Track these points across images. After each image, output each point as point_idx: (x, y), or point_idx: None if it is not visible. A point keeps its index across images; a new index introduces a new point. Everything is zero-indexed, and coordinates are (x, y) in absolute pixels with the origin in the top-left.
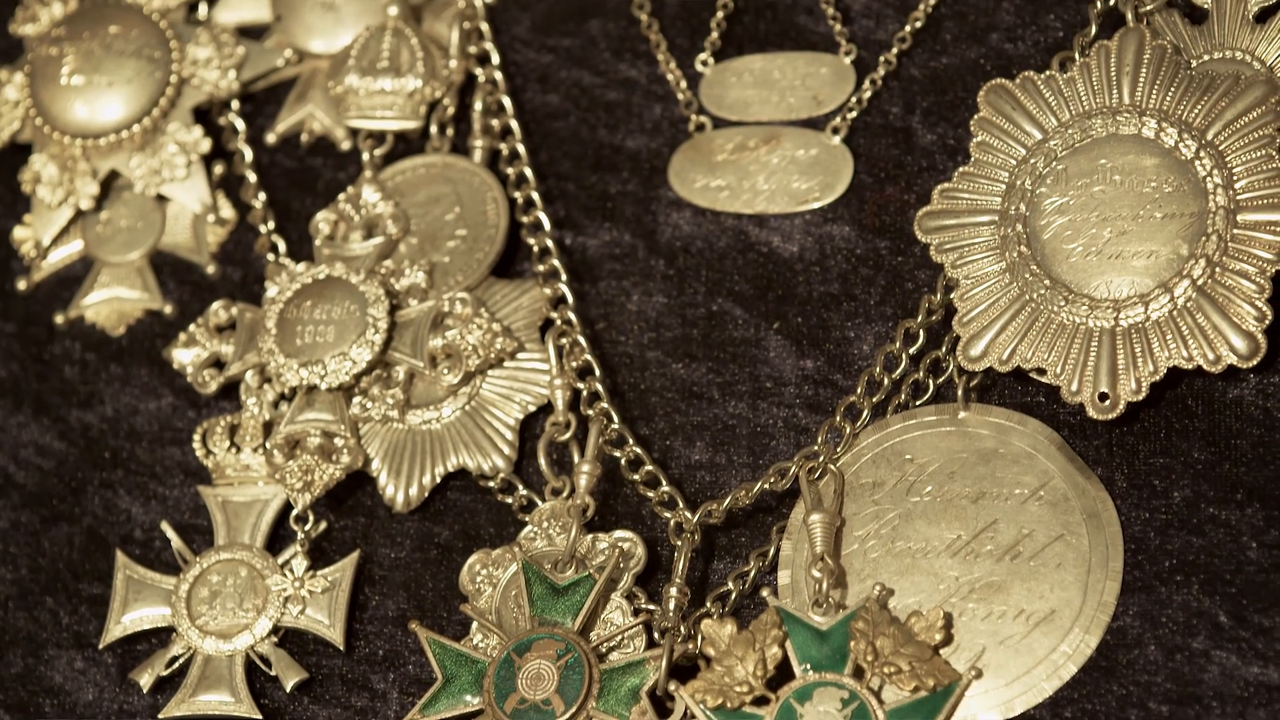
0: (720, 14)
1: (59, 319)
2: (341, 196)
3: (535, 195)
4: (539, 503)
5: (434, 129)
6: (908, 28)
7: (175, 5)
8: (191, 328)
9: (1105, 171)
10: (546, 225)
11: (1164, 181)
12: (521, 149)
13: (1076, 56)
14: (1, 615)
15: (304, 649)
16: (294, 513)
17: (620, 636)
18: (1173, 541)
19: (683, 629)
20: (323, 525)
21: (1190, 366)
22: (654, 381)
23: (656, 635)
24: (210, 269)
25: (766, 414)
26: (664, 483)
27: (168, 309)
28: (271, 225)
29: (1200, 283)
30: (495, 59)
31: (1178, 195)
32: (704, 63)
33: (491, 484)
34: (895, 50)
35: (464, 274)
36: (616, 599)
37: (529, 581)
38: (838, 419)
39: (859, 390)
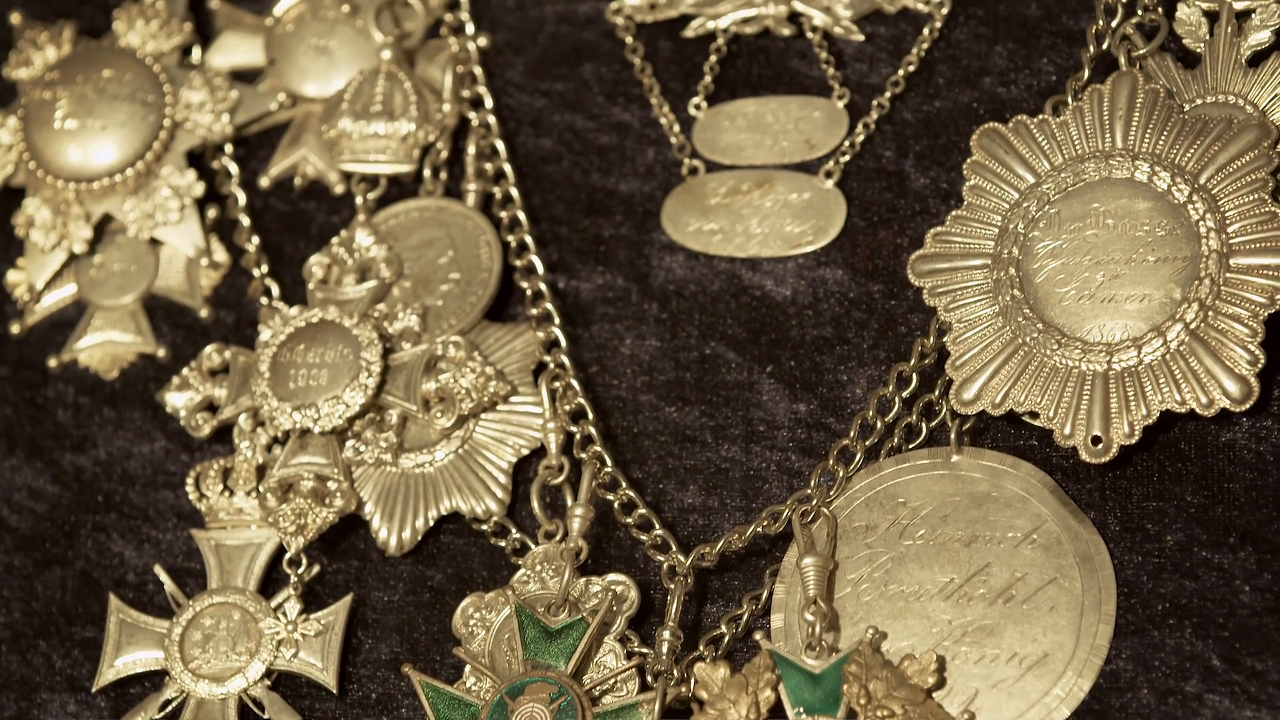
0: (713, 58)
1: (52, 362)
2: (335, 240)
3: (528, 239)
4: (532, 546)
5: (427, 173)
6: (901, 72)
7: (169, 49)
8: (185, 371)
9: (1098, 215)
10: (540, 269)
11: (1157, 225)
12: (515, 193)
13: (1069, 100)
14: None
15: (297, 692)
16: (287, 556)
17: (613, 680)
18: (1165, 585)
19: (676, 672)
20: (316, 569)
21: (1183, 410)
22: (647, 425)
23: (650, 678)
24: (203, 312)
25: (759, 457)
26: (657, 526)
27: (161, 352)
28: (265, 269)
29: (1193, 326)
30: (489, 103)
31: (1171, 239)
32: (697, 106)
33: (485, 527)
34: (888, 94)
35: (457, 317)
36: (610, 642)
37: (522, 625)
38: (830, 462)
39: (852, 433)
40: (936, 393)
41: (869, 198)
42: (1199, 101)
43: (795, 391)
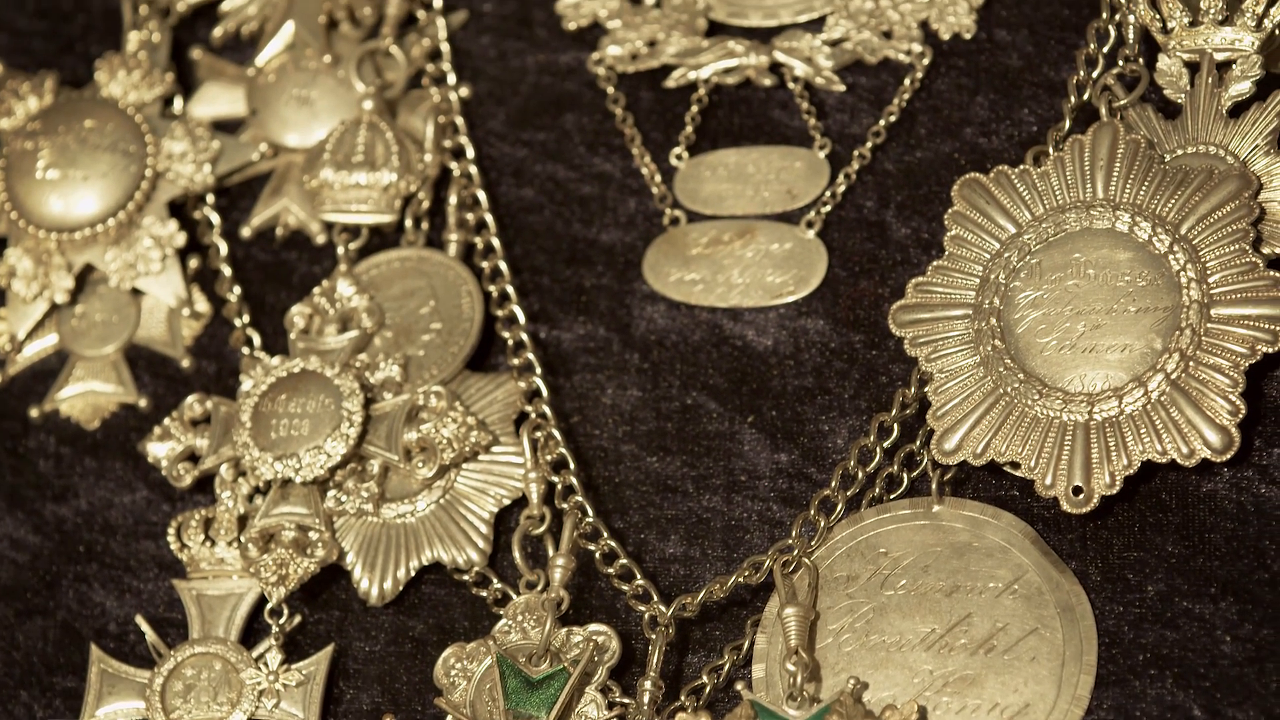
0: (695, 108)
1: (34, 413)
2: (316, 290)
3: (510, 289)
4: (514, 596)
5: (409, 223)
6: (882, 122)
7: (151, 100)
8: (166, 421)
9: (1079, 265)
10: (521, 319)
11: (1138, 275)
12: (496, 243)
13: (1050, 150)
14: None
15: None
16: (268, 606)
17: None
18: (1147, 635)
19: None
20: (297, 619)
21: (1164, 460)
22: (628, 475)
23: None
24: (185, 363)
25: (741, 507)
26: (638, 576)
27: (142, 403)
28: (246, 319)
29: (1174, 377)
30: (470, 153)
31: (1151, 289)
32: (678, 157)
33: (466, 577)
34: (869, 144)
35: (439, 367)
36: (591, 692)
37: (503, 675)
38: (812, 512)
39: (833, 484)
40: (918, 443)
41: (850, 248)
42: (1180, 152)
43: (777, 441)
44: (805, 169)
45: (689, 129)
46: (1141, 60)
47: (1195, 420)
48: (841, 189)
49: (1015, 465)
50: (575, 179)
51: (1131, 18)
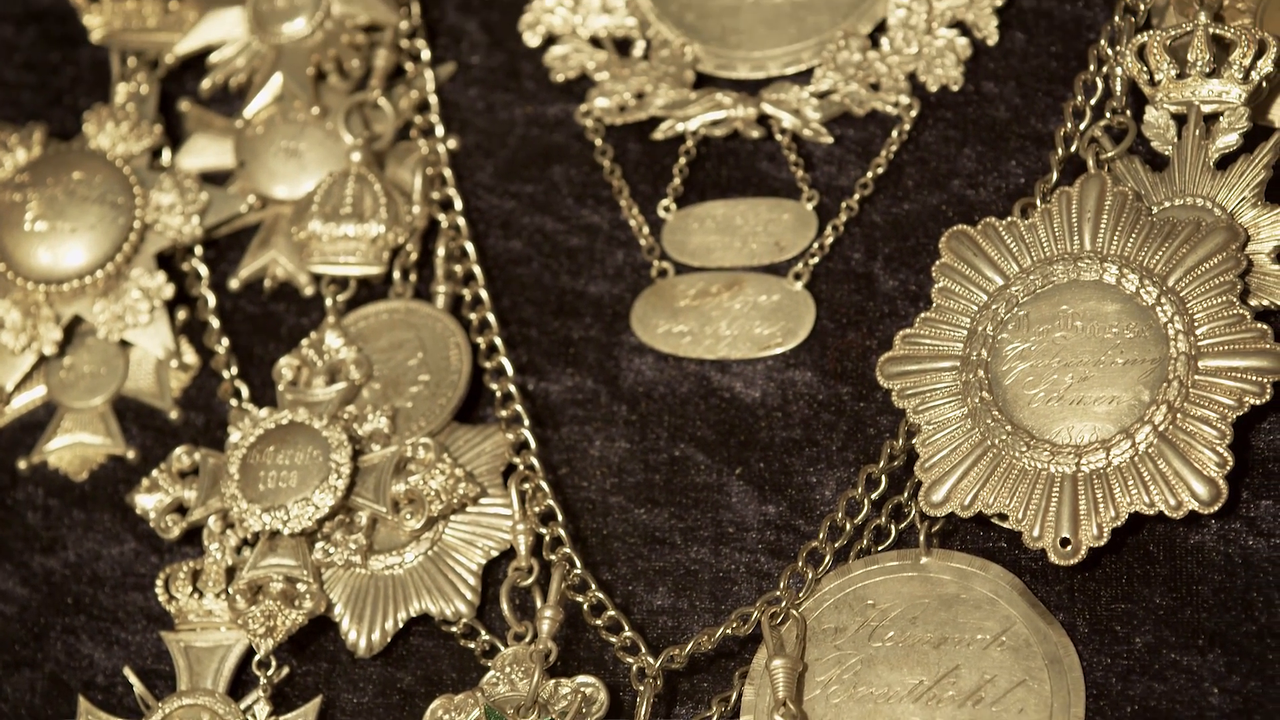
0: (682, 160)
1: (22, 465)
2: (304, 342)
3: (498, 341)
4: (501, 648)
5: (397, 274)
6: (869, 174)
7: (139, 151)
8: (154, 473)
9: (1067, 317)
10: (509, 370)
11: (1125, 327)
12: (484, 294)
13: (1038, 203)
14: None
15: None
16: (256, 658)
17: None
18: (1134, 687)
19: None
20: (285, 670)
21: (1152, 512)
22: (616, 527)
23: None
24: (173, 414)
25: (729, 559)
26: (626, 628)
27: (130, 454)
28: (234, 371)
29: (1162, 428)
30: (458, 205)
31: (1139, 341)
32: (666, 208)
33: (454, 629)
34: (857, 196)
35: (427, 419)
36: None
37: None
38: (800, 564)
39: (821, 535)
40: (905, 494)
41: (838, 300)
42: (1167, 204)
43: (764, 493)
44: (793, 221)
45: (677, 181)
46: (1129, 112)
47: (1183, 472)
48: (829, 241)
49: (1003, 517)
50: (563, 231)
51: (1119, 70)
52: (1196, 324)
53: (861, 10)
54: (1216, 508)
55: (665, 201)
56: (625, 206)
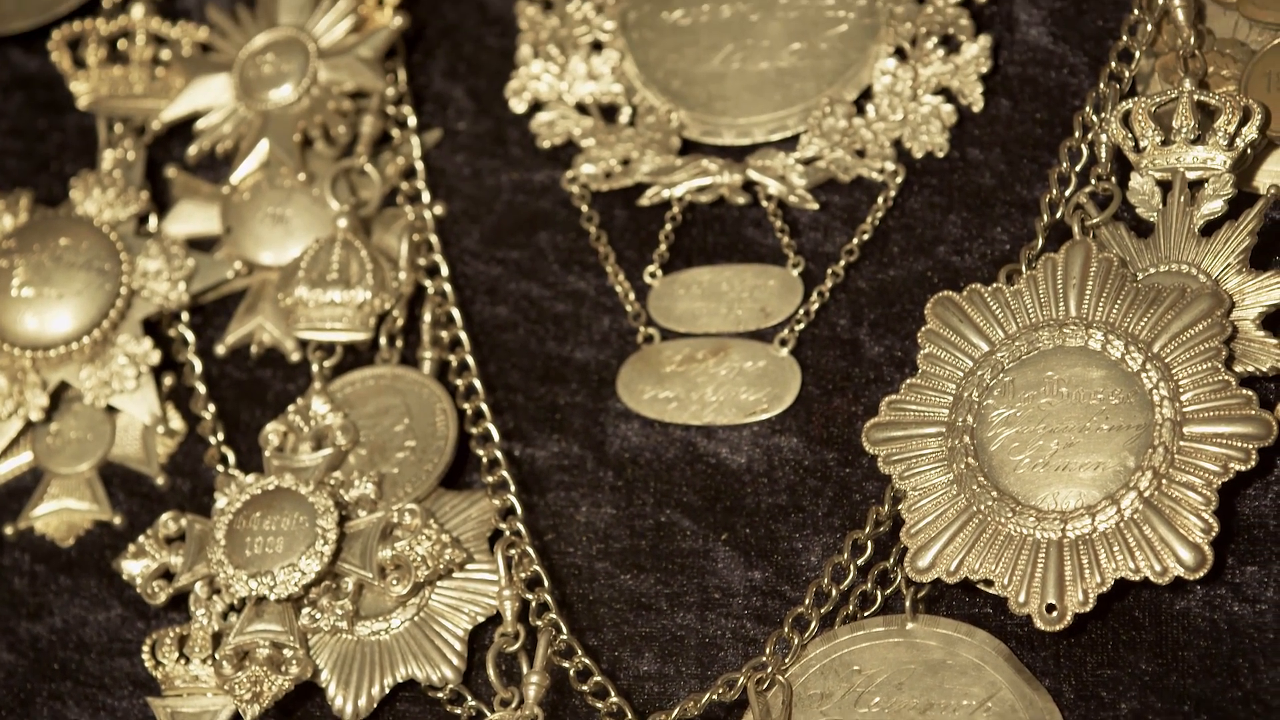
0: (668, 226)
1: (8, 530)
2: (291, 408)
3: (484, 407)
4: (488, 713)
5: (383, 340)
6: (855, 240)
7: (125, 218)
8: (141, 539)
9: (1052, 384)
10: (495, 436)
11: (1110, 394)
12: (470, 360)
13: (1023, 269)
14: None
15: None
16: None
17: None
18: None
19: None
20: None
21: (1137, 578)
22: (602, 592)
23: None
24: (160, 480)
25: (715, 625)
26: (613, 694)
27: (117, 520)
28: (221, 437)
29: (1147, 495)
30: (444, 271)
31: (1124, 407)
32: (652, 275)
33: (440, 695)
34: (843, 263)
35: (413, 485)
36: None
37: None
38: (786, 630)
39: (807, 601)
40: (891, 560)
41: (823, 366)
42: (1152, 270)
43: (750, 559)
44: (779, 287)
45: (663, 247)
46: (1114, 179)
47: (1168, 538)
48: (815, 307)
49: (989, 583)
50: (549, 297)
51: (1104, 137)
52: (1182, 390)
53: (847, 77)
54: (1202, 573)
55: (651, 267)
56: (611, 272)
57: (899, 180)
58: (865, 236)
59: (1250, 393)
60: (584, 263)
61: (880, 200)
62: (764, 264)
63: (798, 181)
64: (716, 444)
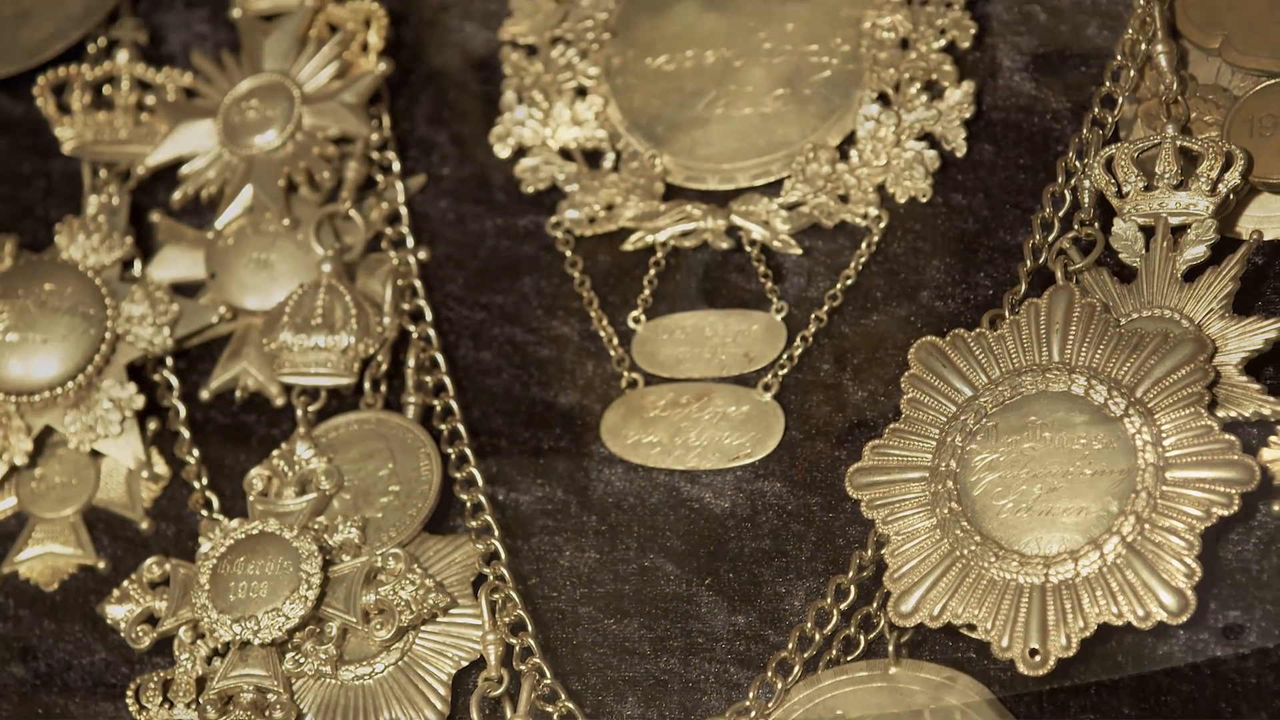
0: (652, 271)
1: None
2: (275, 453)
3: (468, 451)
4: None
5: (367, 385)
6: (839, 285)
7: (110, 263)
8: (125, 583)
9: (1035, 428)
10: (479, 481)
11: (1093, 439)
12: (455, 405)
13: (1006, 314)
14: None
15: None
16: None
17: None
18: None
19: None
20: None
21: (1120, 623)
22: (586, 637)
23: None
24: (144, 525)
25: (698, 669)
26: None
27: (101, 565)
28: (205, 481)
29: (1130, 539)
30: (429, 315)
31: (1107, 452)
32: (636, 319)
33: None
34: (826, 307)
35: (397, 529)
36: None
37: None
38: (769, 674)
39: (790, 645)
40: (875, 605)
41: (807, 410)
42: (1135, 315)
43: (734, 604)
44: (762, 332)
45: (646, 292)
46: (1097, 224)
47: (1151, 583)
48: (798, 352)
49: (972, 627)
50: (533, 342)
51: (1087, 182)
52: (1164, 435)
53: (830, 123)
54: (1184, 618)
55: (635, 313)
56: (595, 318)
57: (882, 225)
58: (849, 281)
59: (1233, 438)
60: (568, 308)
61: (864, 245)
62: (748, 309)
63: (781, 226)
64: (700, 489)
